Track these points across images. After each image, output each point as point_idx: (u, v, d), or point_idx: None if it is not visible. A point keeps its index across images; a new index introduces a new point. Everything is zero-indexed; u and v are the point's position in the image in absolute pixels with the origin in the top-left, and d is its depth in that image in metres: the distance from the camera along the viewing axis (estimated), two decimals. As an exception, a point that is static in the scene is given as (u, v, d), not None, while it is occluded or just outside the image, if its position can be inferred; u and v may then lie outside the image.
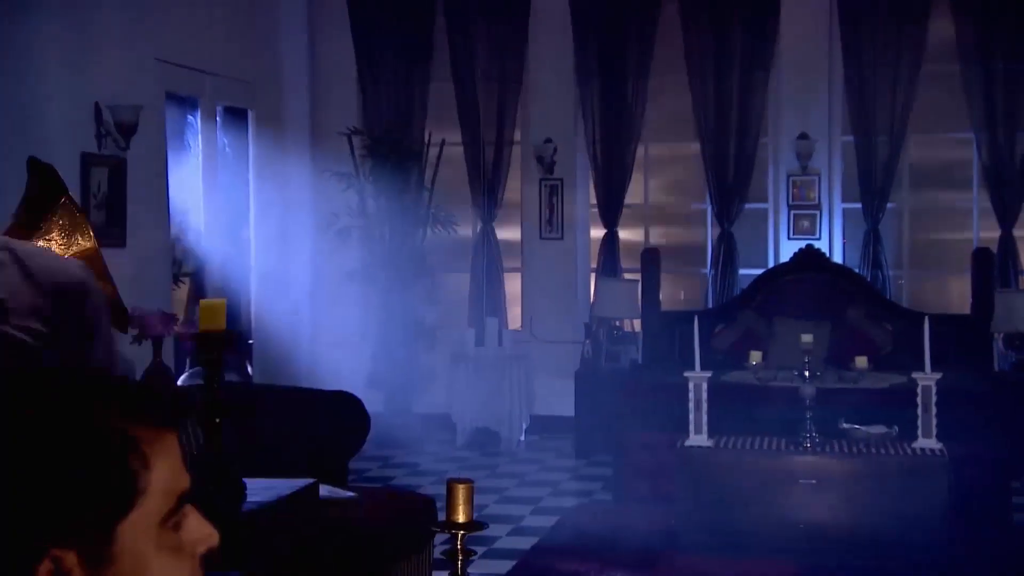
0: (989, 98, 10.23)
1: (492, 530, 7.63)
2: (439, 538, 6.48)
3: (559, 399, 10.40)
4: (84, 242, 3.66)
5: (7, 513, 1.31)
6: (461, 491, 3.13)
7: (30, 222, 3.67)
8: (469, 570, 7.10)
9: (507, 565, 7.27)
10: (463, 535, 3.15)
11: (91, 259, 3.60)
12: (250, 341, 10.23)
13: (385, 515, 5.80)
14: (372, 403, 9.67)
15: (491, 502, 8.78)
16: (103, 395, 1.39)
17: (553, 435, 10.55)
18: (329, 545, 5.02)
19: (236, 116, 9.95)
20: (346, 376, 9.83)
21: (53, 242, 3.66)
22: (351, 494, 5.79)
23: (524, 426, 10.63)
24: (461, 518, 3.13)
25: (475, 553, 3.36)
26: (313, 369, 10.18)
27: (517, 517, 8.41)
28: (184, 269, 9.60)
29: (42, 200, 3.72)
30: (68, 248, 3.68)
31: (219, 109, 9.74)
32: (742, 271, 10.81)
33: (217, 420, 4.10)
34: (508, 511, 8.59)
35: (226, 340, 4.12)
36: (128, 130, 8.01)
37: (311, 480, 5.21)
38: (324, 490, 5.57)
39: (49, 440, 1.32)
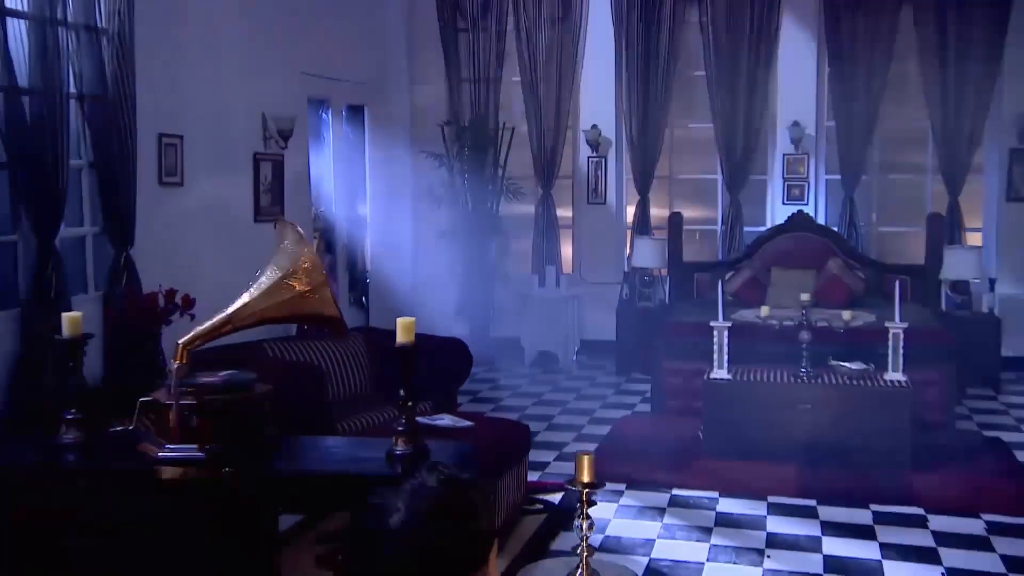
0: (939, 88, 10.19)
1: (561, 436, 8.26)
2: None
3: (603, 328, 10.61)
4: (320, 278, 3.89)
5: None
6: (586, 460, 3.74)
7: (280, 267, 3.93)
8: (553, 469, 7.60)
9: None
10: (587, 492, 3.74)
11: (322, 287, 3.89)
12: (367, 280, 10.56)
13: (495, 437, 6.05)
14: (459, 330, 10.22)
15: (556, 413, 9.03)
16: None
17: (598, 356, 10.70)
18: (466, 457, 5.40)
19: (355, 112, 10.23)
20: (439, 308, 10.43)
21: (296, 279, 3.87)
22: (470, 423, 6.10)
23: (576, 348, 10.81)
24: (586, 478, 3.73)
25: (595, 503, 3.87)
26: (414, 302, 10.45)
27: (578, 426, 8.60)
28: (315, 226, 9.85)
29: (288, 246, 3.98)
30: (313, 283, 3.88)
31: (344, 108, 10.02)
32: (747, 229, 10.87)
33: (412, 404, 3.99)
34: (571, 421, 8.77)
35: (415, 351, 3.98)
36: (286, 135, 8.30)
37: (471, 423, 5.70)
38: (448, 419, 6.00)
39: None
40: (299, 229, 3.95)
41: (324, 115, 9.71)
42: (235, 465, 3.70)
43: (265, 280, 3.83)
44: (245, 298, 3.82)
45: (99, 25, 6.42)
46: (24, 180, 6.02)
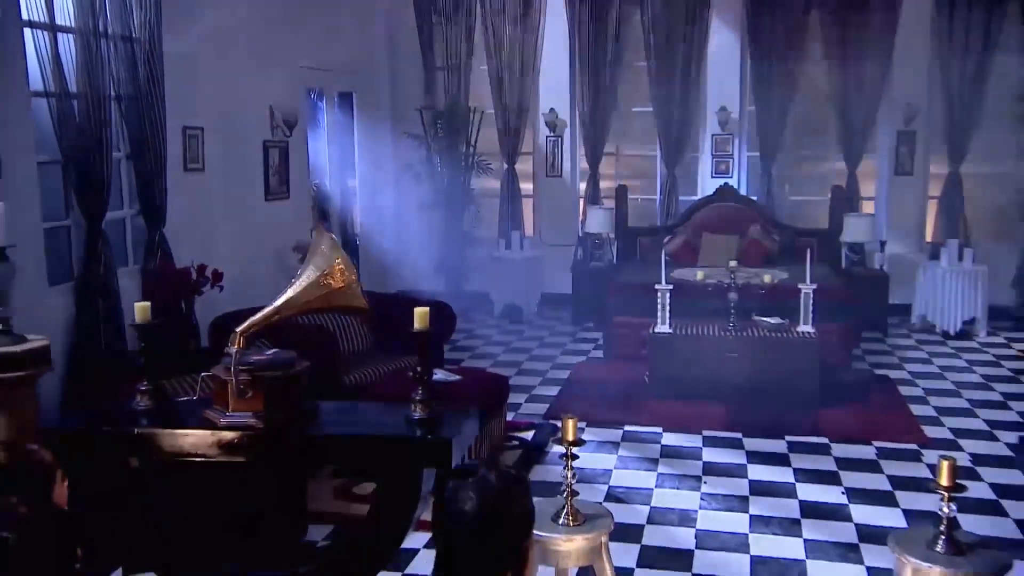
0: (841, 80, 10.28)
1: (528, 380, 8.33)
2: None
3: (560, 284, 10.62)
4: (347, 275, 3.89)
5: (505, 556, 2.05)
6: (570, 423, 3.81)
7: (317, 267, 3.93)
8: (525, 410, 7.76)
9: (543, 407, 7.52)
10: (571, 450, 3.79)
11: (353, 283, 3.93)
12: (357, 243, 10.53)
13: (480, 388, 6.17)
14: (437, 285, 10.33)
15: (523, 360, 9.04)
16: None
17: (557, 308, 10.73)
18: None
19: (345, 99, 10.17)
20: (419, 268, 10.61)
21: (331, 278, 3.90)
22: (459, 377, 6.19)
23: (537, 301, 10.82)
24: (570, 438, 3.78)
25: (579, 457, 3.93)
26: (398, 262, 10.57)
27: (542, 371, 8.64)
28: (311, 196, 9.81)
29: (324, 252, 3.93)
30: (346, 280, 3.90)
31: (335, 95, 9.98)
32: (681, 199, 10.89)
33: (428, 377, 4.05)
34: (535, 366, 8.79)
35: (431, 335, 4.11)
36: (291, 124, 8.39)
37: (459, 376, 5.81)
38: (440, 374, 6.01)
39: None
40: (333, 236, 4.03)
41: (320, 102, 9.70)
42: (281, 429, 3.84)
43: (305, 278, 3.88)
44: (289, 293, 3.88)
45: (133, 35, 6.50)
46: (75, 173, 6.11)
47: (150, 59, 6.59)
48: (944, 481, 3.49)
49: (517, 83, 10.85)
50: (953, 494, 3.48)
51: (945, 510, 3.49)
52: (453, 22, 10.84)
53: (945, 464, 3.50)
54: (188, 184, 7.24)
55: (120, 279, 6.45)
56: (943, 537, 3.48)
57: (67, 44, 5.91)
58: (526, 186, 11.42)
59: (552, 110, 11.10)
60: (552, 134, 11.23)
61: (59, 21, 5.83)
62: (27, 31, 5.53)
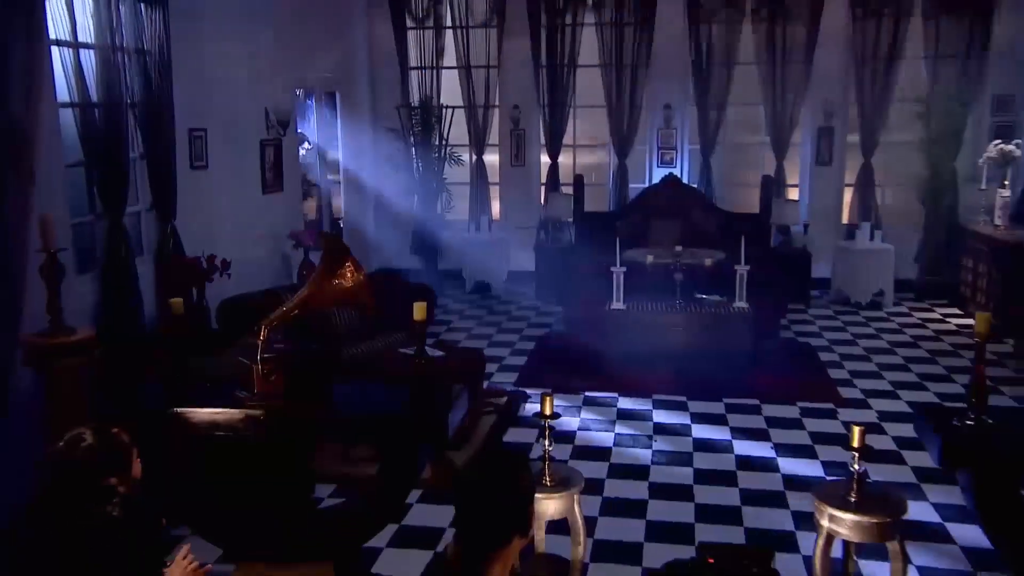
0: (771, 83, 10.31)
1: (499, 351, 8.37)
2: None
3: (525, 262, 10.72)
4: (359, 275, 4.02)
5: (517, 520, 2.26)
6: (548, 400, 3.92)
7: (329, 272, 4.08)
8: (497, 378, 7.85)
9: (513, 376, 7.62)
10: (550, 424, 3.96)
11: (362, 285, 4.03)
12: (342, 226, 10.58)
13: (462, 364, 6.31)
14: (413, 264, 10.41)
15: (493, 332, 9.10)
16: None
17: (522, 284, 10.68)
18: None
19: (330, 97, 10.14)
20: (398, 248, 10.61)
21: (343, 278, 4.00)
22: (441, 353, 6.20)
23: (504, 278, 10.81)
24: (547, 412, 3.92)
25: (554, 428, 4.01)
26: (379, 244, 10.61)
27: (511, 342, 8.71)
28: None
29: (334, 256, 4.11)
30: (355, 280, 3.99)
31: (322, 94, 9.97)
32: (631, 186, 10.84)
33: (422, 360, 4.13)
34: (505, 338, 8.85)
35: (425, 325, 4.16)
36: (284, 124, 8.37)
37: (442, 352, 5.84)
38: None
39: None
40: (342, 242, 4.19)
41: (309, 101, 9.73)
42: (300, 409, 3.99)
43: (318, 278, 4.03)
44: (305, 291, 4.03)
45: (145, 48, 6.48)
46: (97, 174, 6.16)
47: (160, 70, 6.62)
48: (855, 443, 3.78)
49: (483, 82, 10.84)
50: (862, 454, 3.75)
51: (856, 467, 3.78)
52: (425, 27, 10.81)
53: (856, 429, 3.80)
54: (194, 181, 7.26)
55: (137, 267, 6.50)
56: (854, 488, 3.79)
57: (88, 59, 5.93)
58: (493, 174, 11.36)
59: (516, 107, 11.09)
60: (516, 128, 11.20)
61: (81, 38, 5.84)
62: (54, 49, 5.55)
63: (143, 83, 6.50)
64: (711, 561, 2.03)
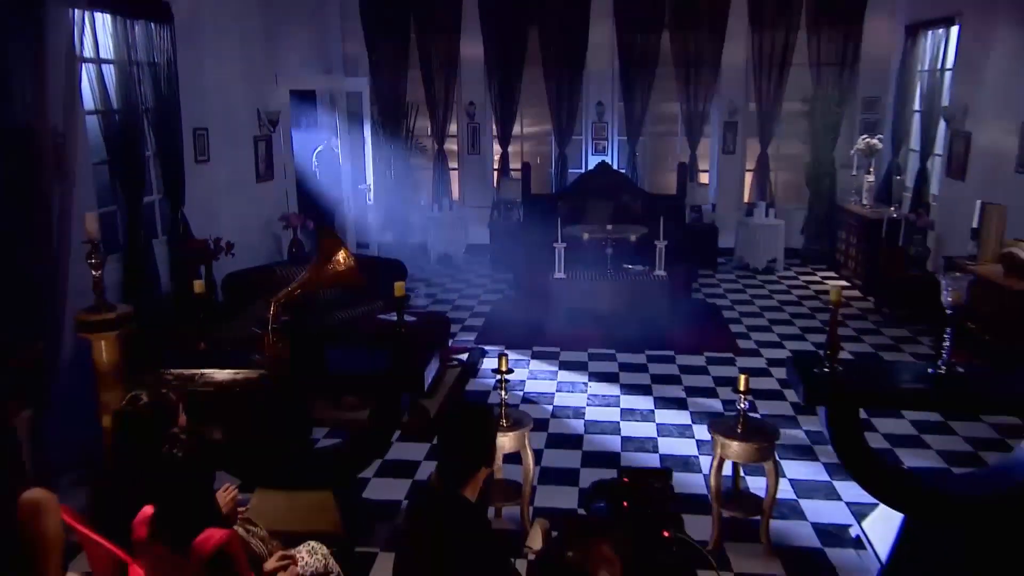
0: (685, 85, 10.35)
1: (461, 314, 8.42)
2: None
3: (480, 237, 10.74)
4: (349, 261, 4.14)
5: (484, 454, 2.60)
6: (503, 359, 4.19)
7: (325, 259, 4.17)
8: (460, 337, 7.93)
9: (473, 335, 7.72)
10: (505, 378, 4.24)
11: (352, 271, 4.12)
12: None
13: (432, 327, 6.48)
14: (386, 238, 10.34)
15: (455, 298, 9.16)
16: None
17: (478, 255, 10.74)
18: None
19: (311, 95, 9.78)
20: (372, 225, 10.43)
21: (337, 263, 4.09)
22: (413, 318, 6.27)
23: (463, 251, 10.87)
24: (504, 367, 4.21)
25: (509, 381, 4.23)
26: (354, 222, 10.30)
27: (471, 306, 8.79)
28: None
29: (329, 247, 4.19)
30: (347, 264, 4.09)
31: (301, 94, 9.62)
32: (570, 171, 10.88)
33: (403, 328, 4.23)
34: (465, 303, 8.93)
35: (405, 300, 4.27)
36: (274, 123, 8.35)
37: (414, 318, 6.07)
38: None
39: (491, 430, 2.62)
40: (336, 235, 4.33)
41: (292, 101, 9.67)
42: (303, 369, 4.18)
43: (316, 264, 4.19)
44: (306, 274, 4.20)
45: (155, 60, 6.46)
46: (118, 169, 6.20)
47: (168, 79, 6.63)
48: (742, 387, 4.22)
49: (444, 83, 10.77)
50: (747, 395, 4.20)
51: (742, 405, 4.22)
52: (393, 35, 10.68)
53: (742, 377, 4.21)
54: (200, 172, 7.28)
55: (155, 248, 6.61)
56: (740, 422, 4.24)
57: (109, 73, 5.98)
58: (452, 162, 11.35)
59: (472, 103, 11.10)
60: (472, 122, 11.21)
61: (102, 55, 5.89)
62: (81, 65, 5.63)
63: (154, 91, 6.52)
64: (625, 480, 2.37)
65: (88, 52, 5.65)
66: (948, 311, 3.96)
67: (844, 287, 9.46)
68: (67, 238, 4.63)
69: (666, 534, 2.10)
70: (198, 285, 4.35)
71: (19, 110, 4.26)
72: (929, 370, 4.04)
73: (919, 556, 3.98)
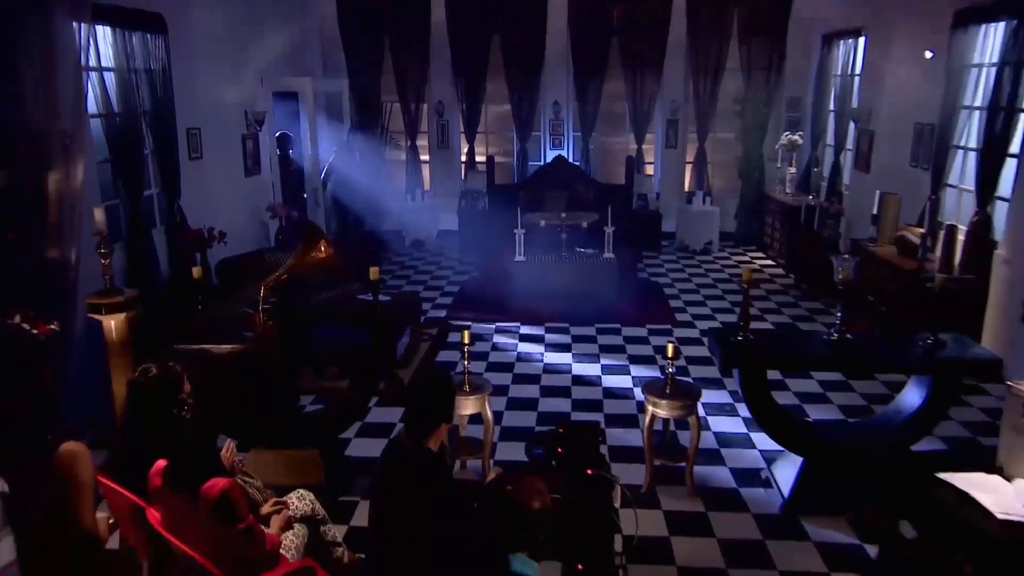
0: (632, 87, 10.49)
1: (432, 293, 8.46)
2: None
3: (450, 223, 10.78)
4: (329, 250, 4.27)
5: (443, 412, 2.79)
6: (467, 333, 4.34)
7: (308, 247, 4.30)
8: (431, 313, 8.07)
9: (443, 312, 7.83)
10: (469, 350, 4.36)
11: (332, 258, 4.24)
12: (305, 198, 10.23)
13: (405, 306, 6.53)
14: (364, 225, 10.34)
15: (428, 279, 9.20)
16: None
17: (448, 240, 10.78)
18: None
19: (292, 96, 9.88)
20: (352, 214, 10.31)
21: (319, 252, 4.23)
22: (388, 298, 6.40)
23: (435, 236, 10.96)
24: (467, 340, 4.37)
25: (471, 353, 4.31)
26: (334, 208, 10.46)
27: (441, 286, 8.86)
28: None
29: (311, 237, 4.34)
30: (326, 252, 4.21)
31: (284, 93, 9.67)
32: (530, 164, 10.92)
33: (379, 308, 4.35)
34: (437, 283, 8.98)
35: (379, 283, 4.35)
36: (259, 121, 8.39)
37: (388, 297, 6.22)
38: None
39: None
40: (318, 227, 4.47)
41: (276, 100, 9.70)
42: (290, 345, 4.31)
43: (300, 252, 4.33)
44: (291, 261, 4.33)
45: (151, 67, 6.52)
46: (121, 166, 6.27)
47: (163, 84, 6.68)
48: (669, 355, 4.45)
49: (414, 84, 10.81)
50: (675, 362, 4.44)
51: (670, 370, 4.47)
52: (368, 41, 10.65)
53: (670, 346, 4.44)
54: (193, 168, 7.33)
55: (154, 237, 6.69)
56: (668, 384, 4.49)
57: (110, 79, 6.03)
58: (424, 155, 11.38)
59: (440, 102, 11.16)
60: (441, 119, 11.26)
61: (104, 64, 5.94)
62: (86, 74, 5.67)
63: (151, 96, 6.57)
64: (560, 431, 2.61)
65: (91, 61, 5.69)
66: (839, 287, 4.28)
67: (769, 266, 9.83)
68: (76, 229, 4.71)
69: (589, 472, 2.34)
70: (196, 271, 4.45)
71: (32, 115, 4.34)
72: (824, 337, 4.36)
73: (813, 491, 4.33)
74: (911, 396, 4.34)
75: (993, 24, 6.13)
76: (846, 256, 4.28)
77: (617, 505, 2.88)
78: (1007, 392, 3.22)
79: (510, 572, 2.16)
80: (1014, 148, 5.85)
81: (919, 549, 1.86)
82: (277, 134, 9.59)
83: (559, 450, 2.52)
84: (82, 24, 4.87)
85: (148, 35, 6.41)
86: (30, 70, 4.32)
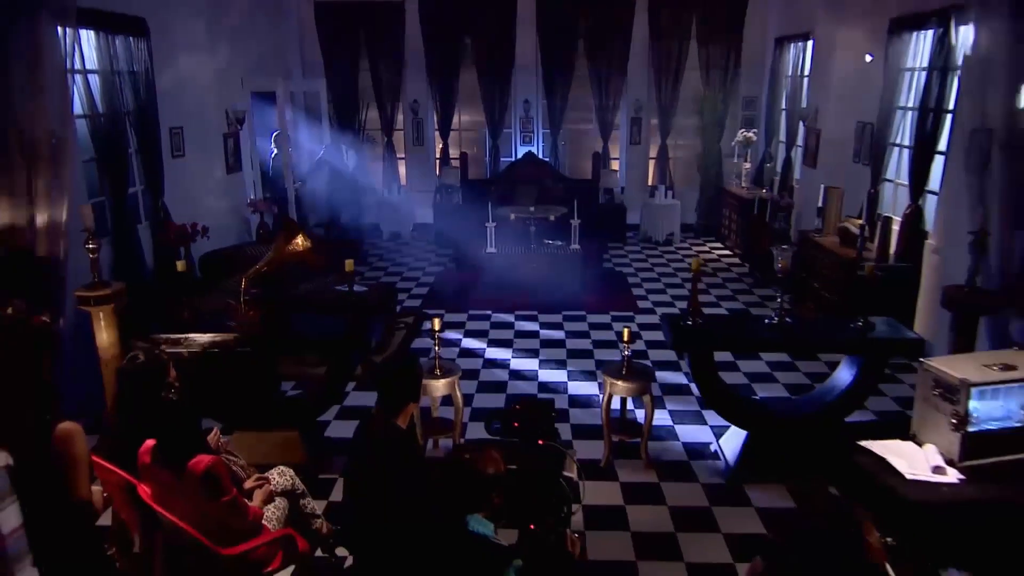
0: (598, 86, 10.55)
1: (408, 284, 8.54)
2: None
3: (426, 216, 10.91)
4: (307, 243, 4.31)
5: (411, 392, 2.93)
6: (436, 321, 4.46)
7: (286, 241, 4.34)
8: (407, 303, 8.20)
9: (418, 301, 7.93)
10: (440, 336, 4.53)
11: (309, 251, 4.28)
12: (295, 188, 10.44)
13: (380, 296, 6.56)
14: (343, 219, 10.24)
15: (404, 270, 9.25)
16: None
17: (424, 233, 10.93)
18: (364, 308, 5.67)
19: (271, 95, 9.85)
20: (332, 207, 10.25)
21: (296, 246, 4.26)
22: (365, 288, 6.53)
23: (411, 229, 11.08)
24: (437, 327, 4.51)
25: (440, 339, 4.44)
26: (312, 201, 10.30)
27: (417, 276, 8.96)
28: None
29: (290, 232, 4.39)
30: (303, 246, 4.25)
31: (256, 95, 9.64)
32: (502, 159, 11.03)
33: (354, 298, 4.50)
34: (413, 274, 9.06)
35: (353, 275, 4.45)
36: (240, 120, 8.39)
37: (365, 288, 6.28)
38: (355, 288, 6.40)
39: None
40: (295, 222, 4.62)
41: (255, 99, 9.72)
42: (271, 333, 4.41)
43: (279, 246, 4.39)
44: (271, 255, 4.40)
45: (135, 69, 6.52)
46: (106, 165, 6.28)
47: (146, 86, 6.68)
48: (625, 339, 4.68)
49: (391, 86, 10.83)
50: (630, 345, 4.65)
51: (625, 353, 4.66)
52: (345, 42, 10.64)
53: (626, 331, 4.67)
54: (176, 166, 7.34)
55: (139, 233, 6.71)
56: (624, 365, 4.68)
57: (95, 81, 6.04)
58: (400, 152, 11.40)
59: (415, 101, 11.19)
60: (416, 117, 11.28)
61: (88, 67, 5.96)
62: (71, 76, 5.68)
63: (134, 97, 6.58)
64: (517, 407, 2.78)
65: (76, 64, 5.71)
66: (779, 275, 4.51)
67: (727, 255, 10.08)
68: (65, 226, 4.77)
69: (541, 442, 2.53)
70: (180, 264, 4.57)
71: (20, 116, 4.40)
72: (766, 321, 4.59)
73: (756, 461, 4.57)
74: (844, 374, 4.60)
75: (923, 32, 6.39)
76: (784, 247, 4.50)
77: (573, 475, 3.08)
78: (919, 369, 3.45)
79: (468, 531, 2.34)
80: (942, 146, 6.11)
81: (830, 506, 2.06)
82: (275, 133, 9.57)
83: (515, 424, 2.69)
84: (67, 29, 4.91)
85: (131, 38, 6.42)
86: (18, 73, 4.37)
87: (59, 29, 4.89)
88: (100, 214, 6.29)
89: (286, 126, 9.28)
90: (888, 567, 2.05)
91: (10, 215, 4.41)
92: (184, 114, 7.47)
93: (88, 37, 6.02)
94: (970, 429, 3.25)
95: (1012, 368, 3.32)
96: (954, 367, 3.34)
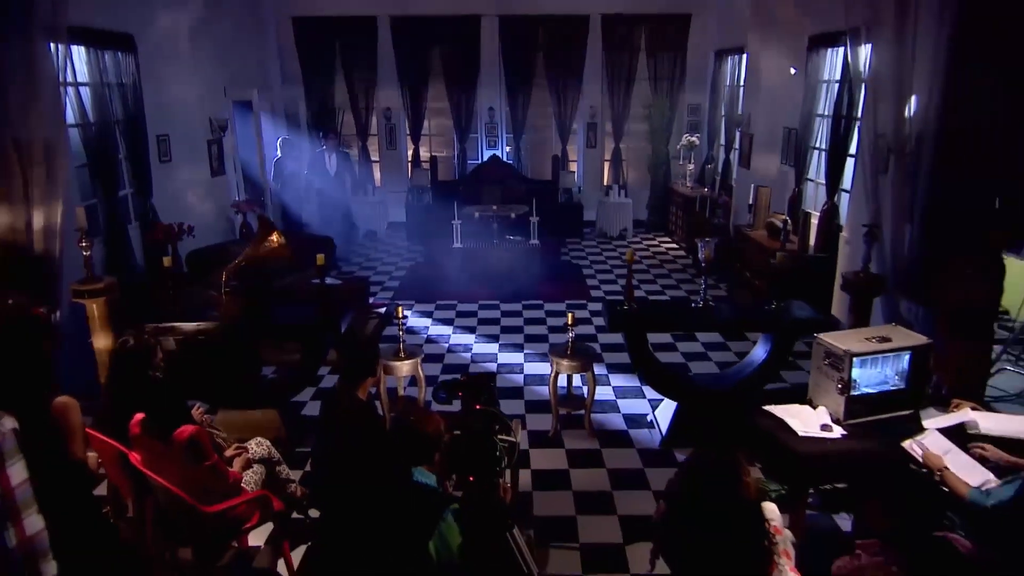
0: (556, 94, 10.71)
1: (381, 276, 8.58)
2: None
3: (398, 215, 10.95)
4: (280, 240, 4.46)
5: (368, 368, 3.11)
6: (400, 308, 4.55)
7: (262, 238, 4.48)
8: (380, 296, 8.31)
9: (391, 292, 7.98)
10: (403, 322, 4.69)
11: (283, 246, 4.41)
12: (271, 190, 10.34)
13: (352, 289, 6.61)
14: (319, 219, 10.10)
15: (378, 264, 9.30)
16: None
17: (397, 230, 10.96)
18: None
19: (248, 105, 9.85)
20: (308, 207, 10.18)
21: (271, 242, 4.40)
22: (339, 281, 6.63)
23: (385, 227, 11.09)
24: (400, 314, 4.63)
25: (406, 328, 4.74)
26: (292, 202, 10.29)
27: (390, 271, 8.98)
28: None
29: (265, 229, 4.54)
30: (277, 243, 4.38)
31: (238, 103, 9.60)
32: (469, 161, 11.10)
33: (326, 289, 4.52)
34: (386, 268, 9.08)
35: (327, 266, 4.58)
36: (222, 127, 8.43)
37: (340, 281, 6.40)
38: (329, 280, 5.75)
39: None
40: (271, 221, 4.70)
41: (236, 106, 9.75)
42: (250, 321, 4.52)
43: (255, 243, 4.55)
44: (249, 250, 4.55)
45: (123, 81, 6.57)
46: (97, 170, 6.35)
47: (134, 96, 6.75)
48: (569, 322, 4.91)
49: (366, 92, 10.81)
50: (573, 327, 4.86)
51: (570, 335, 4.89)
52: (322, 53, 10.67)
53: (569, 315, 4.92)
54: (164, 171, 7.39)
55: (129, 232, 6.79)
56: (569, 345, 4.91)
57: (85, 93, 6.11)
58: (374, 155, 11.44)
59: (388, 108, 11.24)
60: (389, 122, 11.34)
61: (80, 79, 6.03)
62: (63, 89, 5.75)
63: (123, 107, 6.64)
64: (461, 379, 3.00)
65: (68, 78, 5.76)
66: (703, 264, 4.80)
67: (673, 248, 10.31)
68: (60, 226, 4.87)
69: (478, 407, 2.75)
70: (166, 260, 4.71)
71: (17, 126, 4.50)
72: (692, 305, 4.89)
73: (685, 428, 4.87)
74: (759, 351, 4.91)
75: (836, 48, 6.73)
76: (708, 239, 4.79)
77: (517, 440, 3.30)
78: (814, 343, 3.77)
79: (414, 480, 2.58)
80: (852, 149, 6.46)
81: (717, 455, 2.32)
82: (280, 139, 9.64)
83: (459, 393, 2.90)
84: (59, 45, 5.01)
85: (119, 53, 6.49)
86: (13, 87, 4.47)
87: (51, 45, 4.99)
88: (93, 215, 6.34)
89: (262, 132, 9.32)
90: (766, 508, 2.31)
91: (9, 216, 4.51)
92: (170, 122, 7.52)
93: (79, 52, 6.09)
94: (853, 393, 3.58)
95: (888, 340, 3.66)
96: (841, 341, 3.67)
